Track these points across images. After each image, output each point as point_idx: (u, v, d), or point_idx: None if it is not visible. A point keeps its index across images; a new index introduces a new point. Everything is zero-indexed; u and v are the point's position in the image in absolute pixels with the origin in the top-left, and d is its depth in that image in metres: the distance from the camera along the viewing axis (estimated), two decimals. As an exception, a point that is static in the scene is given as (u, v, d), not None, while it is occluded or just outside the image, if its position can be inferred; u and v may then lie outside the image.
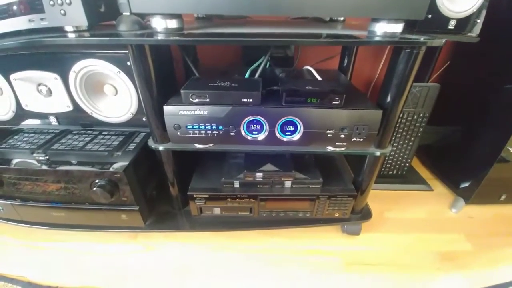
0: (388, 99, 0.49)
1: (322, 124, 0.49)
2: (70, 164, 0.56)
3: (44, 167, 0.55)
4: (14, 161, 0.57)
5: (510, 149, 0.65)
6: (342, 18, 0.69)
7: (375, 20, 0.44)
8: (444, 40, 0.42)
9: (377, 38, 0.43)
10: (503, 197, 0.77)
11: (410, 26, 0.57)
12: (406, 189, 0.85)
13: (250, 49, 0.76)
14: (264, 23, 0.62)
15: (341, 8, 0.39)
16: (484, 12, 0.59)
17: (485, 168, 0.70)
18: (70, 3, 0.43)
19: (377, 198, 0.80)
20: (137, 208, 0.59)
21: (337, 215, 0.65)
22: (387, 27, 0.43)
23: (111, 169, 0.54)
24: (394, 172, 0.86)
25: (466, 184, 0.78)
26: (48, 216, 0.61)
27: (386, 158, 0.83)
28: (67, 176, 0.55)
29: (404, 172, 0.86)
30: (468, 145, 0.79)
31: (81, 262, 0.62)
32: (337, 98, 0.48)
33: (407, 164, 0.84)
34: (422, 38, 0.42)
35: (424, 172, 0.93)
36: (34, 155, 0.57)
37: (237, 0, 0.39)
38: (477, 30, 0.61)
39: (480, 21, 0.60)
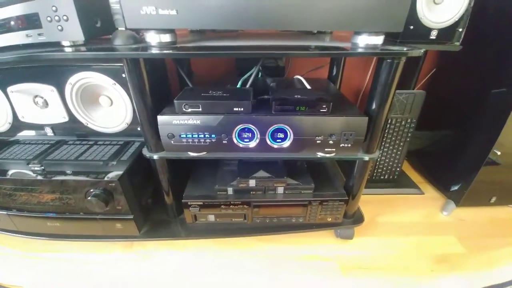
0: (374, 106, 0.51)
1: (311, 131, 0.51)
2: (65, 174, 0.56)
3: (40, 177, 0.55)
4: (10, 172, 0.57)
5: (497, 152, 0.67)
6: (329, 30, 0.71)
7: (357, 33, 0.46)
8: (422, 50, 0.45)
9: (359, 50, 0.45)
10: (493, 199, 0.78)
11: (394, 37, 0.60)
12: (397, 193, 0.87)
13: (243, 60, 0.78)
14: (255, 36, 0.65)
15: (324, 22, 0.41)
16: (466, 21, 0.61)
17: (474, 171, 0.72)
18: (67, 19, 0.45)
19: (369, 202, 0.81)
20: (132, 216, 0.60)
21: (330, 219, 0.66)
22: (369, 39, 0.45)
23: (105, 178, 0.54)
24: (386, 176, 0.87)
25: (456, 187, 0.79)
26: (44, 226, 0.62)
27: (377, 163, 0.84)
28: (62, 186, 0.55)
29: (395, 177, 0.88)
30: (456, 149, 0.80)
31: (76, 272, 0.62)
32: (325, 106, 0.50)
33: (398, 169, 0.86)
34: (405, 49, 0.45)
35: (415, 176, 0.94)
36: (30, 165, 0.58)
37: (227, 16, 0.41)
38: (459, 38, 0.63)
39: (462, 30, 0.62)
